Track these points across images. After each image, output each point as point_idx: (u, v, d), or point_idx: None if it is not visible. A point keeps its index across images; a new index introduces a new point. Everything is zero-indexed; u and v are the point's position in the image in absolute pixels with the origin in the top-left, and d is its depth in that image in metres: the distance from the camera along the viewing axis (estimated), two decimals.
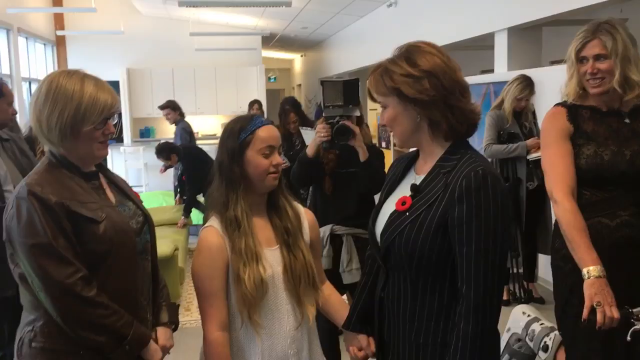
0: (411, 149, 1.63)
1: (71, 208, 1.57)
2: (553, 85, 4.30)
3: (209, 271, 1.68)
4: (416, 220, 1.44)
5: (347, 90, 2.59)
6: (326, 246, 2.83)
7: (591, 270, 1.82)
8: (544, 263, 4.89)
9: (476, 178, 1.37)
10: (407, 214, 1.47)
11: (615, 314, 1.77)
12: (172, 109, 6.74)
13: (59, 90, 1.62)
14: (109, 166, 10.39)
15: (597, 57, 2.03)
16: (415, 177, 1.55)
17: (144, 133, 11.52)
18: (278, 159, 1.75)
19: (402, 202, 1.49)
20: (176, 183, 6.83)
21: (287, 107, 4.88)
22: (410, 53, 1.46)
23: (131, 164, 10.47)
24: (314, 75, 14.82)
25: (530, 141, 4.17)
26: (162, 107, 6.81)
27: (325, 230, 2.83)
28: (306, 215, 1.88)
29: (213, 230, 1.71)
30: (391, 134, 1.58)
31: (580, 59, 2.07)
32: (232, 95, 11.13)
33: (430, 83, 1.42)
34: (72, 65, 10.64)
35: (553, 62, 7.30)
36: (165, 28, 11.16)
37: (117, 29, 9.59)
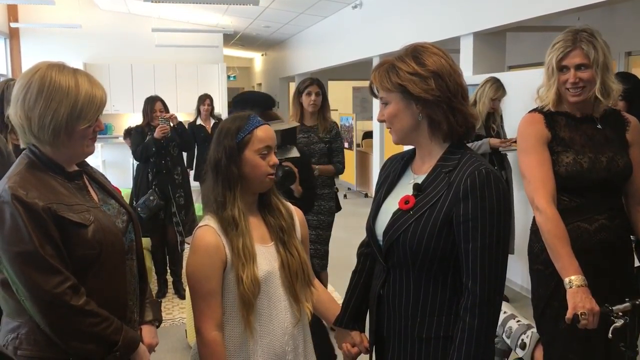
0: (406, 148, 1.66)
1: (58, 213, 1.49)
2: (515, 89, 4.43)
3: (207, 271, 1.67)
4: (421, 219, 1.49)
5: (285, 136, 2.67)
6: None
7: (573, 279, 1.88)
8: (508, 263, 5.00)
9: (480, 176, 1.43)
10: (411, 212, 1.51)
11: (597, 322, 1.84)
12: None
13: (53, 86, 1.53)
14: None
15: (578, 67, 2.08)
16: (415, 177, 1.59)
17: (102, 130, 11.24)
18: (275, 159, 1.76)
19: (405, 201, 1.53)
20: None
21: (153, 96, 4.97)
22: (417, 52, 1.51)
23: (89, 161, 10.15)
24: (275, 74, 14.78)
25: (493, 140, 4.31)
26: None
27: None
28: (296, 213, 1.89)
29: (210, 230, 1.70)
30: (388, 130, 1.61)
31: (560, 68, 2.11)
32: (193, 92, 10.92)
33: (436, 83, 1.47)
34: (26, 59, 10.30)
35: (511, 67, 7.50)
36: (125, 23, 10.94)
37: (74, 23, 9.31)
